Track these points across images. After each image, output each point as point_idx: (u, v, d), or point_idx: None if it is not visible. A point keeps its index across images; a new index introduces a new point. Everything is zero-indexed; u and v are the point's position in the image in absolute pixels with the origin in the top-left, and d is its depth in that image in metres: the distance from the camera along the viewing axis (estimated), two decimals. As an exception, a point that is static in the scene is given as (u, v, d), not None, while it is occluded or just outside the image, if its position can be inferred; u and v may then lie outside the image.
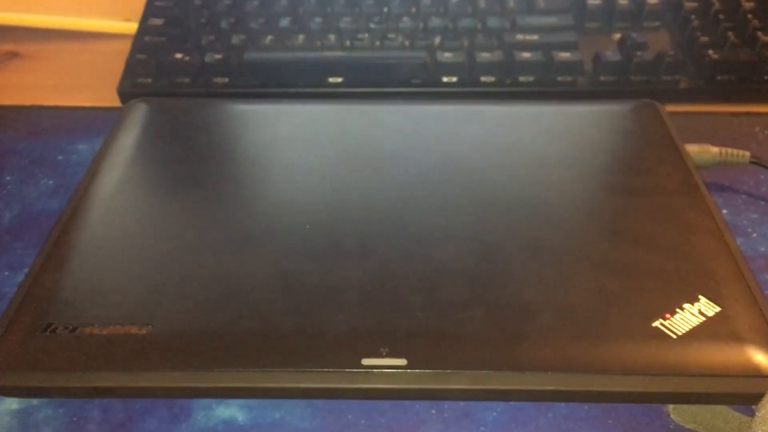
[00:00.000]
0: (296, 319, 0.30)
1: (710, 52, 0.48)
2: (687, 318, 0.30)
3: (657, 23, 0.52)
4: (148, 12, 0.53)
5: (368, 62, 0.49)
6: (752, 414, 0.30)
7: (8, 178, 0.43)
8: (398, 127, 0.42)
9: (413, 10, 0.53)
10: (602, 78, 0.49)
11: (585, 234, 0.34)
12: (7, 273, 0.37)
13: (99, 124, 0.47)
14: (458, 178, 0.38)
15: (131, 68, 0.50)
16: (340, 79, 0.49)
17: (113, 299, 0.31)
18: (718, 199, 0.39)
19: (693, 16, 0.51)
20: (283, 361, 0.29)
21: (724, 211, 0.40)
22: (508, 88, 0.49)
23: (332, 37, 0.51)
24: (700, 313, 0.30)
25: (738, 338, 0.30)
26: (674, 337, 0.29)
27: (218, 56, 0.49)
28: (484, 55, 0.49)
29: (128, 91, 0.48)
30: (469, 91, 0.49)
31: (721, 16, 0.51)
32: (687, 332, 0.30)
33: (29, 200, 0.42)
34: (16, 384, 0.29)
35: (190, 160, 0.39)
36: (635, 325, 0.30)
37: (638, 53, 0.49)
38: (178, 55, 0.49)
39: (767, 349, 0.29)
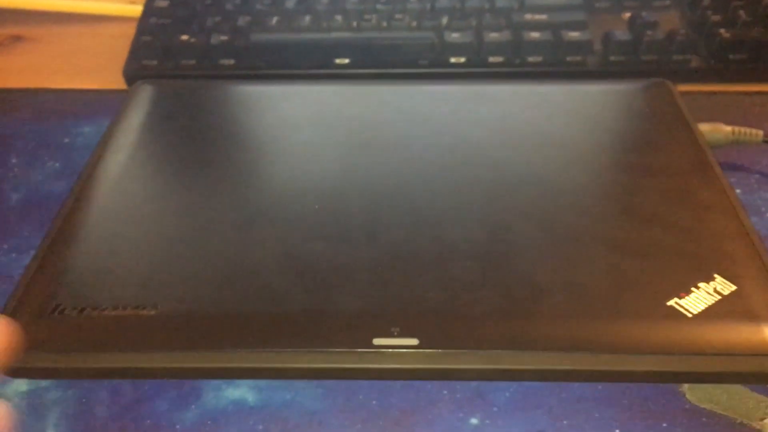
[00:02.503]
0: (306, 299, 0.30)
1: (722, 30, 0.48)
2: (702, 297, 0.30)
3: (667, 2, 0.52)
4: (153, -6, 0.53)
5: (375, 43, 0.49)
6: (768, 393, 0.29)
7: (14, 160, 0.43)
8: (406, 107, 0.41)
9: (420, -10, 0.52)
10: (612, 58, 0.48)
11: (598, 213, 0.34)
12: (14, 255, 0.37)
13: (105, 106, 0.47)
14: (467, 158, 0.37)
15: (137, 50, 0.49)
16: (347, 61, 0.48)
17: (121, 280, 0.31)
18: (731, 178, 0.38)
19: (704, -5, 0.51)
20: (293, 342, 0.29)
21: (738, 191, 0.39)
22: (517, 68, 0.48)
23: (339, 17, 0.50)
24: (716, 291, 0.30)
25: (754, 317, 0.29)
26: (689, 315, 0.29)
27: (224, 38, 0.49)
28: (493, 35, 0.48)
29: (134, 74, 0.48)
30: (478, 71, 0.48)
31: (733, -6, 0.50)
32: (702, 311, 0.29)
33: (35, 183, 0.41)
34: (25, 365, 0.29)
35: (196, 141, 0.39)
36: (650, 304, 0.29)
37: (648, 32, 0.48)
38: (184, 37, 0.49)
39: (784, 327, 0.29)
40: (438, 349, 0.29)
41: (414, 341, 0.29)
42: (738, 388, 0.30)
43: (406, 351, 0.29)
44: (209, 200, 0.35)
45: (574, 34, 0.48)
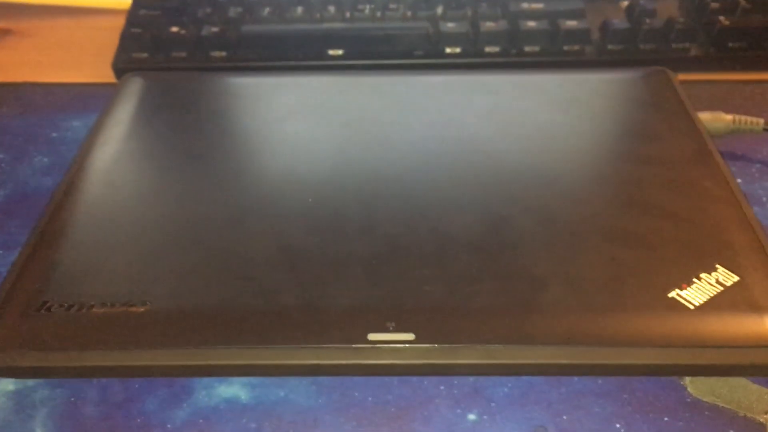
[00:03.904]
0: (300, 295, 0.29)
1: (721, 18, 0.47)
2: (704, 288, 0.29)
3: (666, -11, 0.51)
4: (143, -15, 0.52)
5: (369, 34, 0.48)
6: (772, 386, 0.29)
7: (2, 156, 0.42)
8: (402, 98, 0.40)
9: (415, -21, 0.51)
10: (610, 47, 0.47)
11: (597, 204, 0.33)
12: (0, 252, 0.36)
13: (94, 100, 0.46)
14: (464, 149, 0.37)
15: (126, 43, 0.48)
16: (340, 52, 0.48)
17: (110, 276, 0.30)
18: (732, 167, 0.38)
19: (703, -18, 0.50)
20: (286, 338, 0.28)
21: (739, 180, 0.39)
22: (514, 58, 0.47)
23: (332, 8, 0.49)
24: (718, 282, 0.29)
25: (757, 308, 0.28)
26: (691, 307, 0.28)
27: (215, 29, 0.48)
28: (489, 25, 0.48)
29: (123, 67, 0.47)
30: (473, 62, 0.47)
31: (732, -19, 0.49)
32: (704, 302, 0.29)
33: (23, 178, 0.41)
34: (12, 364, 0.28)
35: (187, 134, 0.38)
36: (651, 295, 0.29)
37: (647, 20, 0.47)
38: (174, 29, 0.48)
39: (788, 318, 0.28)
40: (435, 343, 0.28)
41: (410, 336, 0.28)
42: (741, 381, 0.29)
43: (402, 346, 0.28)
44: (200, 194, 0.35)
45: (572, 23, 0.48)
